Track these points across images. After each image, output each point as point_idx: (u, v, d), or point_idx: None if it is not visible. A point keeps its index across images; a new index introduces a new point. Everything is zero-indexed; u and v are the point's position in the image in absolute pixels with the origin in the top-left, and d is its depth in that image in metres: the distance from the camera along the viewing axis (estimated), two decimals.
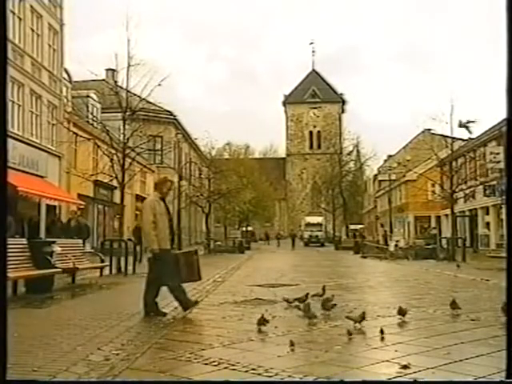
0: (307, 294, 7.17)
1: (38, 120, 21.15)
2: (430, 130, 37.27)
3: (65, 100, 23.60)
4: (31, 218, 19.65)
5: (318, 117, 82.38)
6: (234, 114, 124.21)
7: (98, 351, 4.49)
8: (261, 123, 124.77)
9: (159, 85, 16.28)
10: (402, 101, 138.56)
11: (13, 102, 18.79)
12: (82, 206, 24.63)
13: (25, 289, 8.82)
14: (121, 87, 17.94)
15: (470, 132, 26.22)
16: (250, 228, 56.16)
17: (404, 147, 58.52)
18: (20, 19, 19.74)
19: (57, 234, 14.70)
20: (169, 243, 6.69)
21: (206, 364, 4.15)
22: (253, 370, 3.92)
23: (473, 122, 24.31)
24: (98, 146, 18.49)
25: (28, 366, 3.97)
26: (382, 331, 5.22)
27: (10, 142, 14.28)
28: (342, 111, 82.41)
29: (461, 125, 23.72)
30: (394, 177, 47.87)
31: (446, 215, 33.72)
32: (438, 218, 41.08)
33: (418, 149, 45.99)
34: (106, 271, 12.85)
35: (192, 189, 36.91)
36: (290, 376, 3.76)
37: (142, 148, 18.95)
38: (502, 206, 25.08)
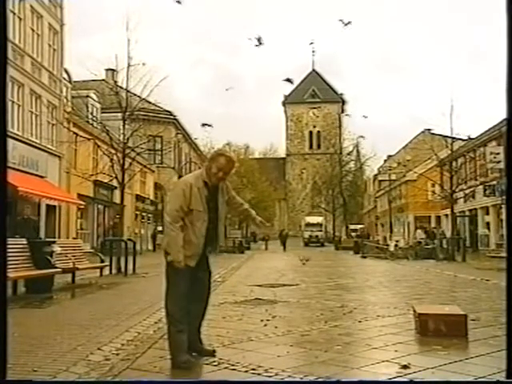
0: None
1: (38, 120, 21.15)
2: (429, 129, 37.28)
3: (65, 100, 23.60)
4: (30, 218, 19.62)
5: (317, 117, 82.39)
6: (234, 114, 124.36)
7: (97, 351, 4.49)
8: (260, 123, 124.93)
9: (156, 83, 16.19)
10: (402, 101, 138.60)
11: (13, 102, 18.79)
12: (82, 206, 24.64)
13: (25, 289, 8.82)
14: (121, 87, 17.93)
15: None
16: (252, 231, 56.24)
17: (404, 147, 58.52)
18: (20, 19, 19.74)
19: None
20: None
21: (206, 364, 4.14)
22: (253, 369, 3.91)
23: None
24: (98, 146, 18.48)
25: (28, 366, 3.97)
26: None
27: (10, 142, 14.30)
28: (342, 111, 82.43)
29: None
30: (393, 177, 47.88)
31: (446, 215, 33.72)
32: (438, 217, 41.08)
33: (418, 149, 46.06)
34: (106, 271, 12.85)
35: None
36: (289, 376, 3.76)
37: (141, 148, 18.95)
38: (502, 205, 25.08)
